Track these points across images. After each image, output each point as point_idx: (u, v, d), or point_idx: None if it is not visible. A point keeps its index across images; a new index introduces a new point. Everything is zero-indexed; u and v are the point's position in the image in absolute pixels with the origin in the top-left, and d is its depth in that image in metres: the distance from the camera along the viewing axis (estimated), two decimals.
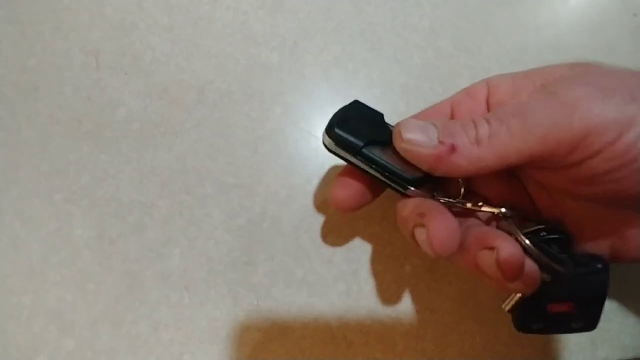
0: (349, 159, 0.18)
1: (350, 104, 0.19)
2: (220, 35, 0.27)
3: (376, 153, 0.18)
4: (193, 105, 0.26)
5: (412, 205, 0.18)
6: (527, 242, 0.17)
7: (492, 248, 0.16)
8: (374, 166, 0.18)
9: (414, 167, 0.18)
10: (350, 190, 0.19)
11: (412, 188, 0.18)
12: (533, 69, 0.18)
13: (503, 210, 0.19)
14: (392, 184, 0.18)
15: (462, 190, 0.19)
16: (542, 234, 0.19)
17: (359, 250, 0.25)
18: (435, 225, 0.16)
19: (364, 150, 0.18)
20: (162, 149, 0.25)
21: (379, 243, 0.25)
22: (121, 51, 0.26)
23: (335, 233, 0.25)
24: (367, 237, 0.25)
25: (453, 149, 0.15)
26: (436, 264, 0.25)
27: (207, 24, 0.27)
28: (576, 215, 0.19)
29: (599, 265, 0.19)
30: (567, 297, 0.19)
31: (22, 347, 0.23)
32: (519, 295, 0.19)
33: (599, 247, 0.19)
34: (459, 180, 0.19)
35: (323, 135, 0.19)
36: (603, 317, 0.24)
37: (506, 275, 0.16)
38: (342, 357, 0.24)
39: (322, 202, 0.25)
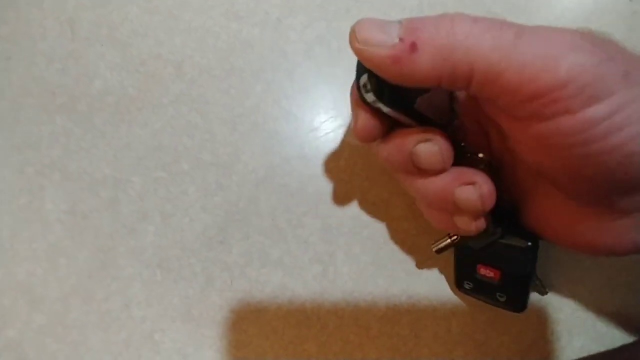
0: (387, 111, 0.17)
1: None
2: (201, 9, 0.26)
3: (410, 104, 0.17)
4: (171, 80, 0.25)
5: (414, 130, 0.17)
6: None
7: (473, 183, 0.17)
8: (408, 116, 0.17)
9: (439, 113, 0.18)
10: (370, 123, 0.18)
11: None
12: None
13: (481, 155, 0.19)
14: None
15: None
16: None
17: (337, 231, 0.24)
18: (441, 139, 0.17)
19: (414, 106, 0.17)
20: (138, 124, 0.24)
21: (357, 225, 0.24)
22: (97, 21, 0.25)
23: (312, 214, 0.24)
24: (345, 219, 0.24)
25: (414, 47, 0.13)
26: (415, 249, 0.24)
27: None
28: (530, 185, 0.19)
29: (529, 243, 0.20)
30: (494, 262, 0.21)
31: None
32: (449, 240, 0.21)
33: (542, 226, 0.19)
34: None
35: (364, 86, 0.16)
36: (580, 307, 0.24)
37: (485, 206, 0.17)
38: (315, 338, 0.23)
39: (300, 183, 0.25)
